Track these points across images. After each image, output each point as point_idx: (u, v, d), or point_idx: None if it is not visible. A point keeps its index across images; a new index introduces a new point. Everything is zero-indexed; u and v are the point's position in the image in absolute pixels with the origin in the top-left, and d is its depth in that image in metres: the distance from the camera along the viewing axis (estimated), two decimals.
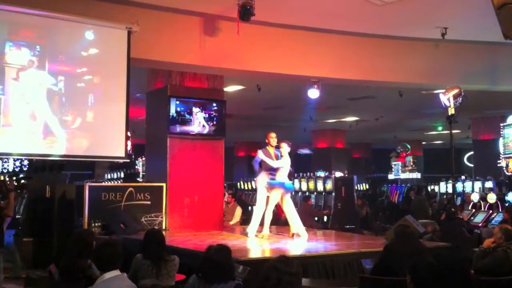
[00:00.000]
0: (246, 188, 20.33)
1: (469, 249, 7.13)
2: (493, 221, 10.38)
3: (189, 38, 9.23)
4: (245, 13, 8.26)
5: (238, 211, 12.35)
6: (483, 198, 11.86)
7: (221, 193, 10.95)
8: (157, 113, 10.58)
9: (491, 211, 11.03)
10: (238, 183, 21.01)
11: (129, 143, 13.33)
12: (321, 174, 15.44)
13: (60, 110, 8.36)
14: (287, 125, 19.52)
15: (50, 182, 9.48)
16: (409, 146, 22.69)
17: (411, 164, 23.20)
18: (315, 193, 14.53)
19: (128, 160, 11.53)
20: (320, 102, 12.84)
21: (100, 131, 8.71)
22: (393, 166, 24.39)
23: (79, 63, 8.63)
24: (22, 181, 10.32)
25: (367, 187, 22.08)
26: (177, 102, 10.06)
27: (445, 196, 16.40)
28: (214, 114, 10.38)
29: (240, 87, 13.07)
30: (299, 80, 10.82)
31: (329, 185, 14.20)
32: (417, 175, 24.07)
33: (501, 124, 12.43)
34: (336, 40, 10.20)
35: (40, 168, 9.80)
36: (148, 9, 8.80)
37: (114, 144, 8.82)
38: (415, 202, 13.78)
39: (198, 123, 10.23)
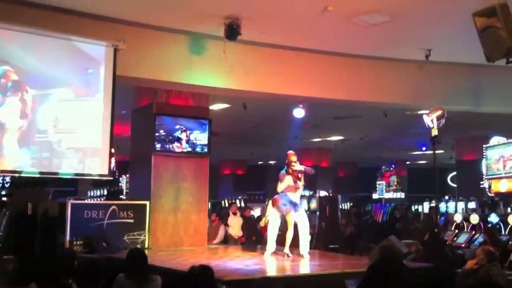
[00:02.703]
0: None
1: (452, 270, 7.14)
2: (475, 242, 10.41)
3: (176, 56, 9.25)
4: (232, 32, 8.31)
5: (222, 230, 12.34)
6: (466, 218, 11.92)
7: (206, 212, 10.91)
8: (142, 131, 10.55)
9: (473, 232, 11.07)
10: (223, 201, 20.97)
11: (113, 160, 13.28)
12: (306, 193, 15.45)
13: (44, 126, 8.30)
14: (273, 143, 19.55)
15: (32, 199, 9.36)
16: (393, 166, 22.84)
17: (395, 183, 23.35)
18: None
19: (112, 178, 11.44)
20: (305, 121, 12.89)
21: (84, 148, 8.65)
22: (377, 185, 24.55)
23: (68, 91, 8.58)
24: (3, 198, 10.20)
25: (352, 205, 22.12)
26: (163, 121, 10.05)
27: (427, 216, 16.46)
28: (199, 132, 10.38)
29: (225, 105, 13.09)
30: (285, 100, 10.87)
31: (314, 204, 14.21)
32: (401, 195, 24.21)
33: (484, 146, 12.55)
34: (322, 60, 10.28)
35: (23, 184, 9.70)
36: (134, 27, 8.81)
37: (98, 161, 8.76)
38: (424, 220, 13.73)
39: (183, 141, 10.21)
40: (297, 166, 8.54)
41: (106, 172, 8.94)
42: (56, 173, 8.54)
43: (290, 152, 8.75)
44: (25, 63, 8.21)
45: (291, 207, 8.51)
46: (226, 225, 12.87)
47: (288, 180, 8.49)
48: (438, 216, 12.84)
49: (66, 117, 8.52)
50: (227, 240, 12.58)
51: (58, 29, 8.15)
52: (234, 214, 13.16)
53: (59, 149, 8.41)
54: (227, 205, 20.69)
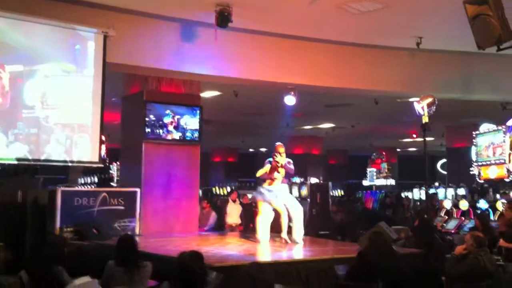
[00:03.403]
0: (221, 193, 20.33)
1: (441, 256, 7.21)
2: (465, 228, 10.51)
3: (167, 43, 9.20)
4: (223, 19, 8.27)
5: (213, 217, 12.34)
6: (456, 205, 12.02)
7: (196, 199, 10.92)
8: (132, 118, 10.52)
9: (463, 218, 11.17)
10: (214, 189, 21.00)
11: (103, 147, 13.24)
12: (297, 180, 15.48)
13: (31, 102, 8.27)
14: (264, 131, 19.55)
15: (22, 187, 9.31)
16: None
17: (386, 170, 23.42)
18: None
19: (102, 165, 11.41)
20: (297, 109, 12.89)
21: (74, 135, 8.62)
22: (368, 172, 24.60)
23: (55, 66, 8.53)
24: None
25: (343, 193, 22.20)
26: (153, 107, 10.02)
27: (418, 203, 16.57)
28: (189, 117, 10.36)
29: (217, 93, 13.05)
30: (276, 87, 10.86)
31: (305, 191, 14.25)
32: (391, 182, 24.30)
33: (474, 133, 12.62)
34: (313, 48, 10.26)
35: (13, 172, 9.63)
36: (125, 14, 8.75)
37: (88, 148, 8.74)
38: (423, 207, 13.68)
39: (174, 128, 10.19)
40: (279, 158, 8.57)
41: (96, 159, 8.93)
42: (47, 160, 8.51)
43: (278, 144, 8.78)
44: (10, 39, 8.13)
45: (266, 197, 8.58)
46: (224, 212, 12.80)
47: (266, 168, 8.62)
48: (436, 203, 12.94)
49: (54, 93, 8.48)
50: (223, 228, 12.51)
51: (47, 15, 8.08)
52: (234, 201, 13.06)
53: (47, 125, 8.37)
54: (218, 192, 20.73)
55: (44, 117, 8.35)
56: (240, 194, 14.64)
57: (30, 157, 8.29)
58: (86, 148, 8.76)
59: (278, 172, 8.61)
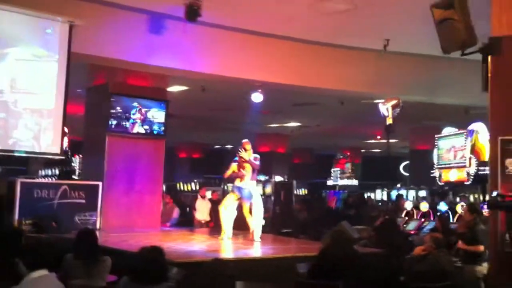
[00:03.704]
0: (186, 189, 20.20)
1: (401, 256, 7.30)
2: (425, 229, 10.66)
3: (134, 35, 9.08)
4: (192, 13, 8.20)
5: (176, 212, 12.23)
6: (416, 206, 12.20)
7: (160, 194, 10.83)
8: (97, 110, 10.35)
9: (423, 220, 11.34)
10: (178, 184, 20.85)
11: (66, 139, 12.97)
12: (261, 178, 15.49)
13: (3, 97, 8.10)
14: (231, 128, 19.50)
15: None
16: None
17: (350, 171, 23.68)
18: None
19: (64, 157, 11.19)
20: (264, 106, 12.89)
21: (43, 121, 8.43)
22: (332, 172, 24.84)
23: (25, 50, 8.36)
24: None
25: (307, 192, 22.33)
26: (120, 99, 9.87)
27: (380, 204, 16.80)
28: (156, 110, 10.24)
29: (184, 88, 12.95)
30: (243, 84, 10.84)
31: (269, 189, 14.27)
32: (354, 182, 24.60)
33: (436, 136, 12.82)
34: (281, 45, 10.28)
35: None
36: (92, 3, 8.62)
37: (50, 140, 8.56)
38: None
39: (139, 122, 10.07)
40: (243, 154, 8.56)
41: (58, 151, 8.75)
42: (5, 150, 8.30)
43: (245, 140, 8.79)
44: None
45: (243, 194, 8.61)
46: (193, 209, 12.67)
47: (233, 167, 8.66)
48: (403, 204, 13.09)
49: (23, 77, 8.34)
50: (192, 224, 12.37)
51: (13, 2, 7.87)
52: (203, 197, 12.95)
53: (16, 109, 8.21)
54: (182, 188, 20.59)
55: (13, 101, 8.18)
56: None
57: None
58: (51, 136, 8.58)
59: (244, 168, 8.59)
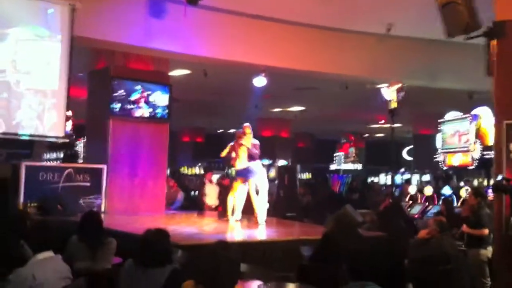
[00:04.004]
0: (189, 173, 20.24)
1: (405, 240, 7.33)
2: (429, 213, 10.70)
3: (134, 18, 9.04)
4: None
5: (180, 196, 12.25)
6: (420, 190, 12.22)
7: (164, 178, 10.84)
8: (99, 94, 10.30)
9: (427, 203, 11.37)
10: (182, 168, 20.89)
11: (69, 123, 12.99)
12: (265, 162, 15.50)
13: (2, 66, 8.07)
14: (233, 112, 19.45)
15: None
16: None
17: (353, 155, 23.66)
18: None
19: (67, 140, 11.20)
20: (266, 91, 12.85)
21: (47, 101, 8.41)
22: (335, 156, 24.82)
23: (27, 30, 8.32)
24: None
25: (310, 176, 22.36)
26: (122, 82, 9.84)
27: (384, 188, 16.80)
28: (157, 97, 10.22)
29: (186, 72, 12.90)
30: (245, 67, 10.79)
31: (273, 173, 14.29)
32: (358, 166, 24.59)
33: (440, 120, 12.80)
34: (284, 30, 10.22)
35: None
36: None
37: (53, 123, 8.56)
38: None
39: (142, 106, 10.05)
40: (244, 141, 8.56)
41: (61, 134, 8.76)
42: (9, 133, 8.31)
43: (246, 124, 8.79)
44: None
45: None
46: (203, 194, 12.64)
47: (228, 148, 8.78)
48: (394, 188, 13.13)
49: (26, 57, 8.29)
50: (202, 208, 12.37)
51: None
52: (210, 182, 12.94)
53: (18, 90, 8.19)
54: (186, 172, 20.63)
55: (15, 81, 8.15)
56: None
57: (2, 122, 8.08)
58: (55, 118, 8.57)
59: (236, 151, 8.64)
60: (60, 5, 8.40)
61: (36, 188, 8.74)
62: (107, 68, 10.02)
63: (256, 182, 8.67)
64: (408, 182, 14.54)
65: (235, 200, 8.74)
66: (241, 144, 8.59)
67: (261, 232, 8.12)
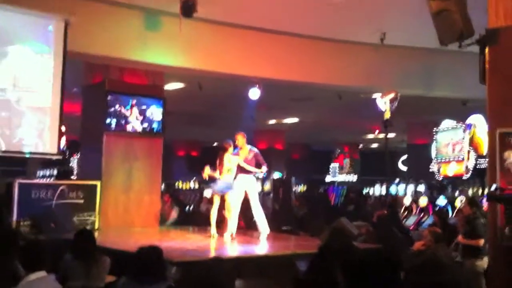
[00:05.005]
0: (184, 187, 20.11)
1: (401, 251, 7.29)
2: (424, 224, 10.65)
3: (130, 32, 9.06)
4: (188, 9, 8.14)
5: (175, 211, 12.17)
6: (415, 201, 12.18)
7: (158, 192, 10.79)
8: (93, 109, 10.30)
9: (422, 214, 11.31)
10: (177, 183, 20.77)
11: (63, 139, 12.92)
12: (259, 175, 15.43)
13: (2, 84, 8.09)
14: (228, 125, 19.41)
15: None
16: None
17: (348, 166, 23.62)
18: None
19: (61, 157, 11.16)
20: (261, 102, 12.85)
21: (44, 107, 8.40)
22: (331, 168, 24.76)
23: (23, 37, 8.34)
24: None
25: (305, 188, 22.31)
26: (117, 97, 9.82)
27: (379, 199, 16.73)
28: (153, 111, 10.19)
29: (181, 85, 12.90)
30: (240, 79, 10.80)
31: (267, 186, 14.22)
32: (353, 177, 24.54)
33: (434, 130, 12.80)
34: (278, 40, 10.25)
35: None
36: (87, 0, 8.55)
37: (47, 139, 8.52)
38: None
39: (136, 120, 10.02)
40: (241, 151, 8.56)
41: (55, 150, 8.72)
42: (2, 151, 8.26)
43: (239, 133, 8.74)
44: None
45: (215, 189, 8.63)
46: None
47: (207, 170, 8.77)
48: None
49: (26, 75, 8.31)
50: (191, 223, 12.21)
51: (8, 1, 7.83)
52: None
53: (19, 108, 8.17)
54: (181, 186, 20.50)
55: (16, 99, 8.14)
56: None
57: (2, 141, 8.04)
58: (44, 139, 8.54)
59: (221, 164, 8.58)
60: (55, 20, 8.40)
61: (29, 206, 8.69)
62: (102, 82, 10.00)
63: (238, 195, 8.60)
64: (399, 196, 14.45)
65: (228, 214, 8.66)
66: (224, 156, 8.54)
67: (257, 247, 8.07)
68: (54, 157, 9.59)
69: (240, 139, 8.81)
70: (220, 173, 8.49)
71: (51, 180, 14.57)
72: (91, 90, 10.49)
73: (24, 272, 3.90)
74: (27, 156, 8.83)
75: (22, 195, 8.70)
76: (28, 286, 3.68)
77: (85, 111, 10.81)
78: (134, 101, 9.94)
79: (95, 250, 5.27)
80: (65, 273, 5.04)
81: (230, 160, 8.50)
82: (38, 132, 8.41)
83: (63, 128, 10.54)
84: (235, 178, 8.60)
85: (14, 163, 14.11)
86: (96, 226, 9.31)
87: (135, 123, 9.99)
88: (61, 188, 9.14)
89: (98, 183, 9.55)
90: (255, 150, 8.80)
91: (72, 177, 14.70)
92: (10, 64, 8.17)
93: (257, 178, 14.60)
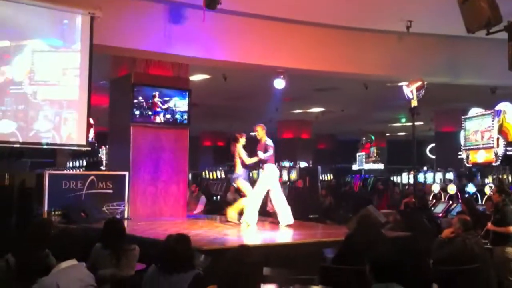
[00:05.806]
0: (211, 177, 20.28)
1: (429, 239, 7.25)
2: (452, 212, 10.57)
3: (154, 25, 9.09)
4: (211, 1, 8.16)
5: (202, 200, 12.29)
6: (444, 189, 12.07)
7: (185, 182, 10.88)
8: (120, 101, 10.41)
9: (451, 202, 11.22)
10: (203, 173, 20.95)
11: (92, 131, 13.12)
12: (286, 164, 15.48)
13: (19, 78, 8.17)
14: (253, 116, 19.46)
15: (9, 170, 9.23)
16: (373, 137, 22.94)
17: (375, 155, 23.48)
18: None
19: (90, 148, 11.33)
20: (286, 93, 12.83)
21: (63, 111, 8.52)
22: (357, 157, 24.64)
23: (42, 42, 8.42)
24: None
25: (331, 177, 22.27)
26: (142, 89, 9.92)
27: (406, 187, 16.65)
28: (178, 102, 10.27)
29: (205, 76, 12.96)
30: (265, 70, 10.80)
31: (294, 175, 14.26)
32: (380, 166, 24.40)
33: (463, 117, 12.64)
34: (302, 30, 10.20)
35: None
36: None
37: (76, 131, 8.66)
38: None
39: (162, 111, 10.11)
40: (238, 149, 8.96)
41: (84, 142, 8.86)
42: (34, 143, 8.42)
43: (258, 125, 8.95)
44: (8, 29, 8.05)
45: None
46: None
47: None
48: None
49: (42, 68, 8.39)
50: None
51: None
52: None
53: (35, 101, 8.28)
54: (208, 176, 20.69)
55: (32, 93, 8.26)
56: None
57: (18, 134, 8.17)
58: (74, 127, 8.67)
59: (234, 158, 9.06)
60: (80, 15, 8.50)
61: (59, 196, 8.84)
62: (129, 75, 10.11)
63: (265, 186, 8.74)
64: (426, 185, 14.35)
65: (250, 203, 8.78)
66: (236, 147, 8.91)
67: (284, 235, 8.10)
68: (84, 149, 9.73)
69: (260, 130, 8.86)
70: (235, 164, 8.71)
71: (80, 171, 14.81)
72: (118, 83, 10.61)
73: (55, 261, 3.99)
74: (51, 147, 8.96)
75: (53, 185, 8.85)
76: (60, 274, 3.76)
77: (112, 103, 10.95)
78: (160, 93, 10.01)
79: (124, 239, 5.35)
80: (95, 261, 5.14)
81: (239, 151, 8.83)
82: (54, 125, 8.49)
83: (92, 121, 10.71)
84: (261, 168, 8.74)
85: (43, 155, 14.32)
86: (126, 215, 9.45)
87: (161, 115, 10.07)
88: (90, 178, 9.28)
89: (126, 173, 9.67)
90: (270, 144, 8.81)
91: (101, 167, 14.91)
92: (26, 58, 8.21)
93: (283, 167, 14.69)
